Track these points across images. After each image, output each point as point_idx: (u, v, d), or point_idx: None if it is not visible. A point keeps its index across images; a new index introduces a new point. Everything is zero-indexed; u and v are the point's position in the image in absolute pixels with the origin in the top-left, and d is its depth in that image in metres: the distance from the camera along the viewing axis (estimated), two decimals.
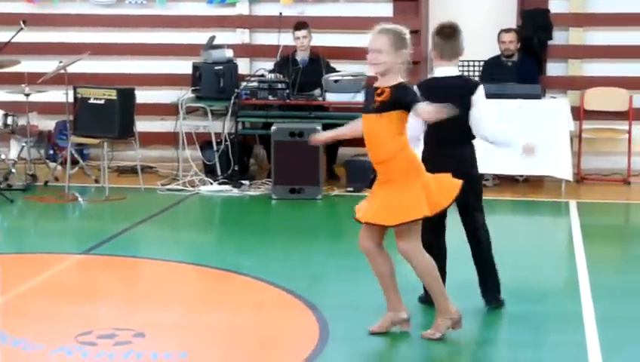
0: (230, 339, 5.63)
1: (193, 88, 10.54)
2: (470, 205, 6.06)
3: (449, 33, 6.03)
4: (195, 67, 10.57)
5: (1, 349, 5.34)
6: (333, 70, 10.44)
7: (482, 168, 6.29)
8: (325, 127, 9.78)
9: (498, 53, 10.64)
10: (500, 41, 10.57)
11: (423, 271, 5.55)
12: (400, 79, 5.41)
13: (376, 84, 5.51)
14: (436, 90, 5.83)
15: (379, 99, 5.40)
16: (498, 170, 9.95)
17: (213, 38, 10.71)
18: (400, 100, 5.36)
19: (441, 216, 5.87)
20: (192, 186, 10.11)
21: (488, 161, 7.87)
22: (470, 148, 6.07)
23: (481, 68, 10.77)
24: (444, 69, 6.05)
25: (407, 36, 5.49)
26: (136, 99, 10.28)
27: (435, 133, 5.92)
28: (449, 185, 5.54)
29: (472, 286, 6.20)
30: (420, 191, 5.41)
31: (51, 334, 5.57)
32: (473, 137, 6.05)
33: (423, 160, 5.65)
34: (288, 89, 10.06)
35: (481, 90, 6.02)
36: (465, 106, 5.87)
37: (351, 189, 9.93)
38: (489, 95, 6.41)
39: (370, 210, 5.50)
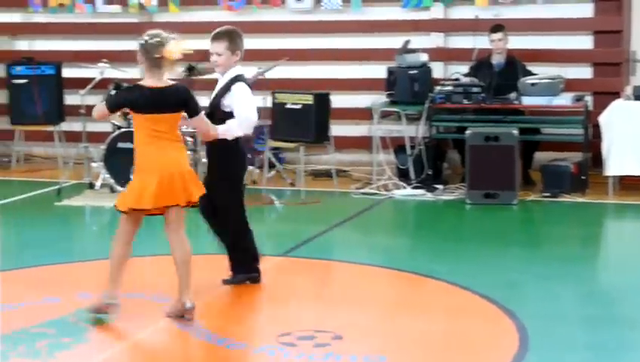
0: (427, 344, 5.60)
1: (387, 92, 10.58)
2: None
3: None
4: (390, 71, 10.61)
5: (207, 347, 5.51)
6: (530, 73, 10.23)
7: None
8: (522, 132, 9.66)
9: None
10: None
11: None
12: None
13: None
14: None
15: None
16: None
17: (407, 42, 10.71)
18: None
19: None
20: (386, 190, 10.14)
21: None
22: None
23: None
24: None
25: None
26: (332, 103, 10.41)
27: None
28: None
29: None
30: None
31: (253, 334, 5.72)
32: None
33: None
34: (483, 93, 9.95)
35: None
36: None
37: (547, 195, 9.72)
38: None
39: None
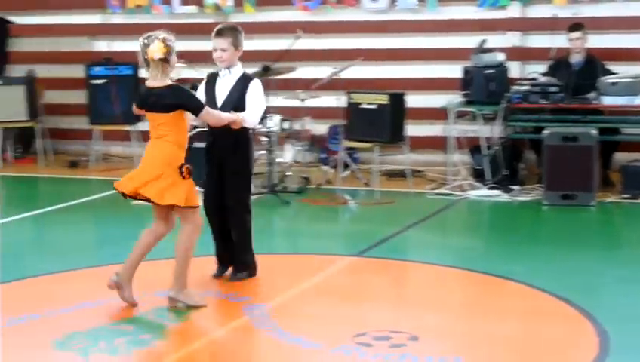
0: (505, 346, 5.54)
1: (463, 92, 10.50)
2: None
3: None
4: (466, 71, 10.53)
5: (282, 346, 5.52)
6: (609, 72, 10.07)
7: None
8: (601, 132, 9.51)
9: None
10: None
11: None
12: None
13: None
14: None
15: None
16: None
17: (484, 41, 10.62)
18: None
19: None
20: (461, 191, 10.07)
21: None
22: None
23: None
24: None
25: None
26: (407, 103, 10.37)
27: None
28: None
29: None
30: None
31: (329, 333, 5.69)
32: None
33: None
34: (562, 92, 9.81)
35: None
36: None
37: (627, 196, 9.56)
38: None
39: None
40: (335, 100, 10.34)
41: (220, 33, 6.71)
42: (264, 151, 10.38)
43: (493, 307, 6.34)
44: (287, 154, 10.95)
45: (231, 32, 6.73)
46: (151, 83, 6.10)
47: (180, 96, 6.09)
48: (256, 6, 12.02)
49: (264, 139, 10.28)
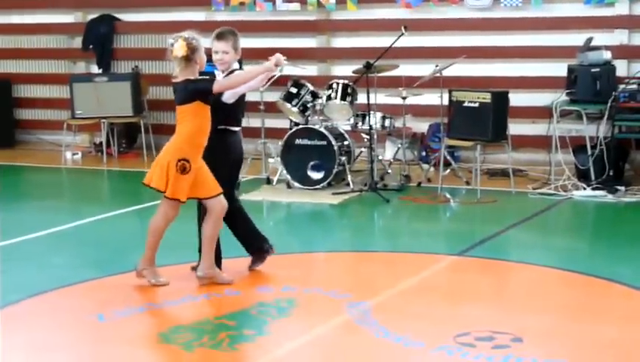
0: (610, 349, 5.43)
1: (568, 91, 10.33)
2: None
3: None
4: (571, 69, 10.36)
5: (384, 344, 5.52)
6: None
7: None
8: None
9: None
10: None
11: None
12: None
13: None
14: None
15: None
16: None
17: (590, 39, 10.43)
18: None
19: None
20: (565, 191, 9.91)
21: None
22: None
23: None
24: None
25: None
26: (510, 102, 10.25)
27: None
28: None
29: None
30: None
31: (431, 333, 5.67)
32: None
33: None
34: None
35: None
36: None
37: None
38: None
39: None
40: (437, 98, 10.28)
41: (221, 36, 6.83)
42: (365, 149, 10.40)
43: (597, 309, 6.23)
44: (388, 151, 10.96)
45: (232, 35, 6.87)
46: (176, 78, 6.48)
47: (190, 83, 6.42)
48: (359, 3, 12.01)
49: (365, 136, 10.29)
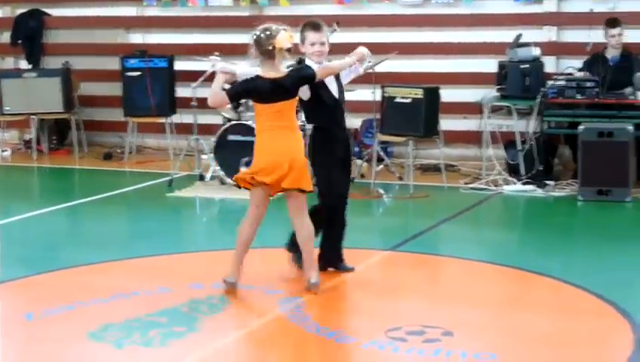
0: (539, 342, 5.50)
1: (498, 87, 10.44)
2: None
3: None
4: (501, 66, 10.47)
5: (317, 340, 5.53)
6: None
7: None
8: (637, 127, 9.42)
9: None
10: None
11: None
12: None
13: None
14: None
15: None
16: None
17: (519, 36, 10.55)
18: None
19: None
20: (495, 186, 10.02)
21: None
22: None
23: None
24: None
25: None
26: (441, 97, 10.33)
27: None
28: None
29: None
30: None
31: (363, 328, 5.70)
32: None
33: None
34: (597, 87, 9.73)
35: None
36: None
37: None
38: None
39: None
40: (370, 94, 10.31)
41: (318, 27, 6.65)
42: None
43: (527, 303, 6.32)
44: None
45: (324, 26, 6.71)
46: (271, 74, 6.17)
47: (295, 71, 6.32)
48: None
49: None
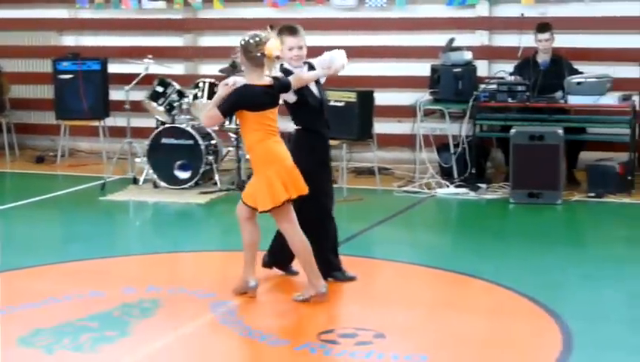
0: (470, 344, 5.57)
1: (431, 90, 10.53)
2: None
3: None
4: (434, 69, 10.56)
5: (249, 343, 5.53)
6: (576, 72, 10.12)
7: None
8: (567, 131, 9.57)
9: None
10: None
11: (297, 249, 6.25)
12: None
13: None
14: None
15: None
16: None
17: (452, 40, 10.65)
18: None
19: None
20: (429, 188, 10.10)
21: None
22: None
23: None
24: None
25: None
26: (375, 101, 10.38)
27: None
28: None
29: None
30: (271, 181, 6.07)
31: (295, 331, 5.72)
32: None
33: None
34: (528, 91, 9.87)
35: None
36: None
37: (592, 195, 9.63)
38: None
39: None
40: None
41: (296, 32, 6.61)
42: (232, 148, 10.38)
43: (459, 305, 6.37)
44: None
45: (302, 29, 6.67)
46: (260, 81, 6.07)
47: (277, 79, 6.21)
48: (225, 2, 11.99)
49: (232, 135, 10.26)
